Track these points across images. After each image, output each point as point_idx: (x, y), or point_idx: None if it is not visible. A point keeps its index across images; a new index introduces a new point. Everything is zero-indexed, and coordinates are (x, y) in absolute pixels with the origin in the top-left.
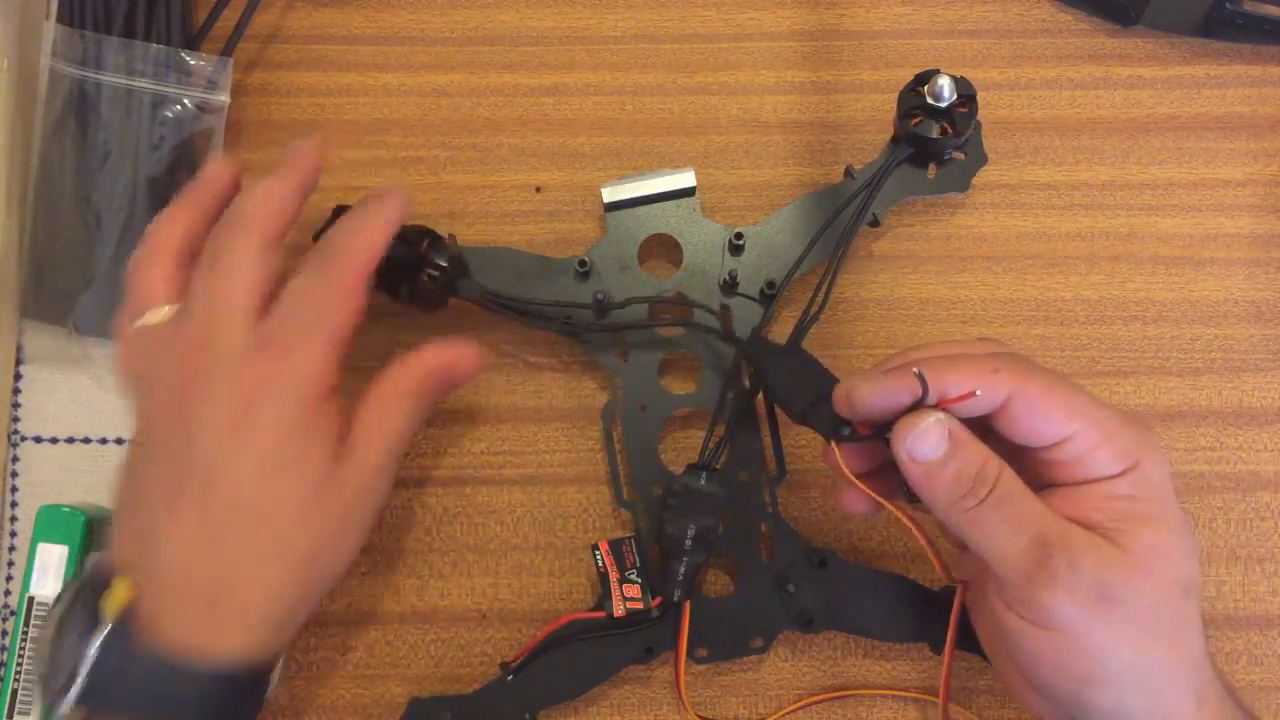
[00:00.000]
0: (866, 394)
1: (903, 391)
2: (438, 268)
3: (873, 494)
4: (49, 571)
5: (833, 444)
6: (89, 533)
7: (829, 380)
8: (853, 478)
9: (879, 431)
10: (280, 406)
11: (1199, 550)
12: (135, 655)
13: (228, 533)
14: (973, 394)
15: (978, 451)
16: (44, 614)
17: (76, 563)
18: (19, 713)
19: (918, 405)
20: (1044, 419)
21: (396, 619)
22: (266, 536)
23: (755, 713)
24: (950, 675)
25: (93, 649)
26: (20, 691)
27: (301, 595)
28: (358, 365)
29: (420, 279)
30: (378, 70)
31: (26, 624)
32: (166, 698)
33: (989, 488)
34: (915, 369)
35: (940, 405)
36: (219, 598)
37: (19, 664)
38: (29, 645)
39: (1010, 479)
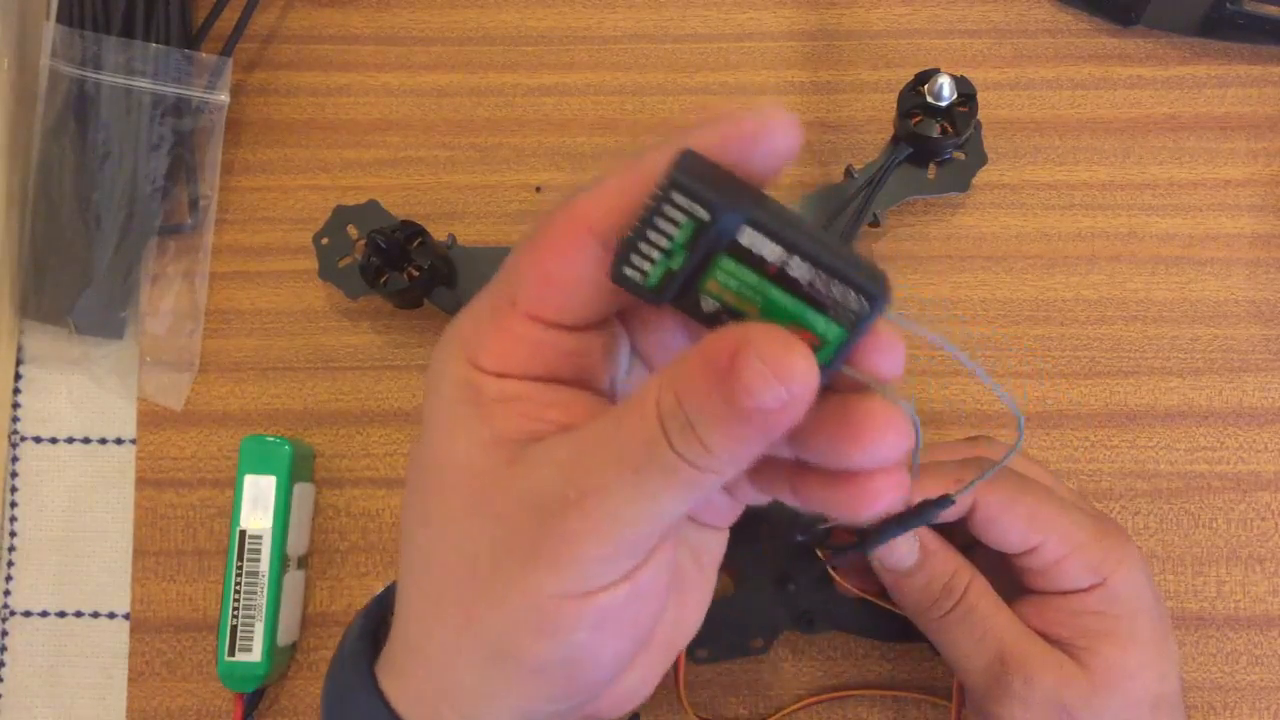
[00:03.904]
0: None
1: None
2: (419, 269)
3: (864, 594)
4: (257, 504)
5: (819, 550)
6: (294, 462)
7: None
8: (843, 583)
9: (861, 542)
10: None
11: (1177, 661)
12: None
13: None
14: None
15: (948, 562)
16: (256, 546)
17: (286, 493)
18: (240, 649)
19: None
20: (1007, 528)
21: None
22: None
23: (755, 713)
24: None
25: None
26: (240, 628)
27: None
28: (358, 366)
29: (399, 276)
30: (378, 70)
31: (240, 558)
32: None
33: (955, 599)
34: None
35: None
36: None
37: (236, 599)
38: (244, 580)
39: (979, 591)
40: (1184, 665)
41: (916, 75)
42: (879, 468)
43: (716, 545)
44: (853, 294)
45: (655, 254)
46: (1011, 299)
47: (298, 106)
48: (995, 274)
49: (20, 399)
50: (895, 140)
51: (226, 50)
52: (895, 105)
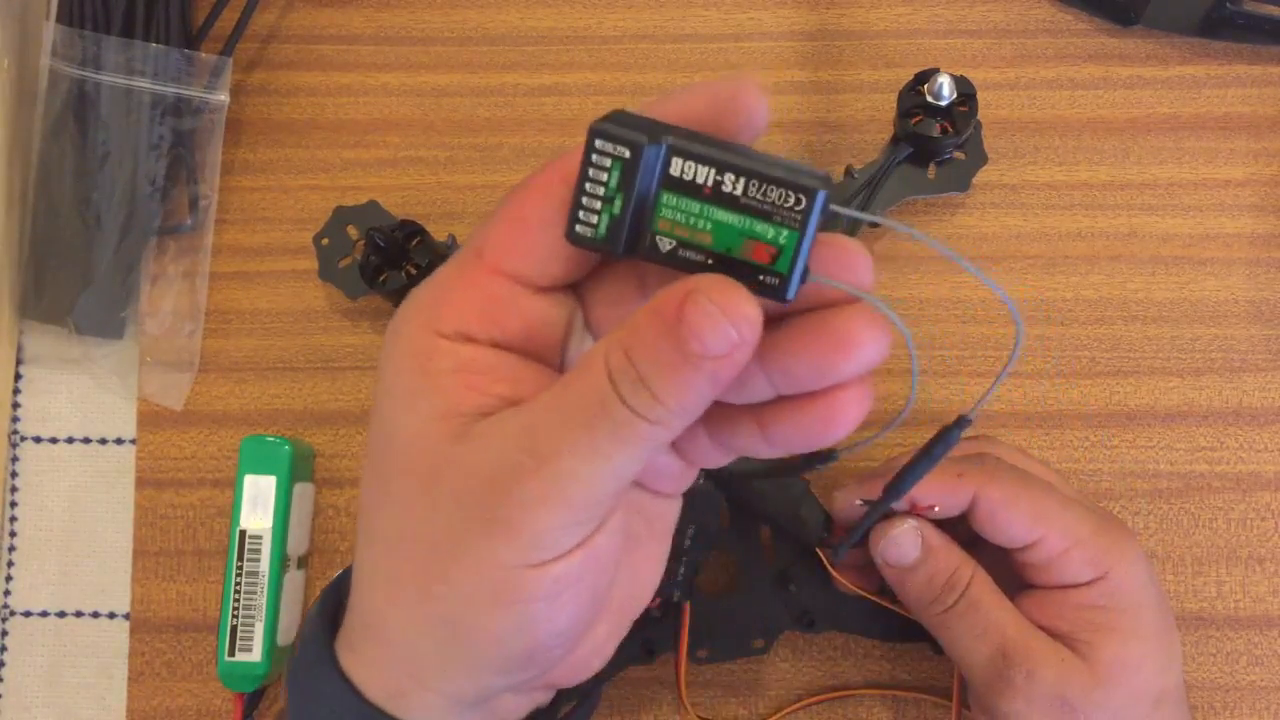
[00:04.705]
0: (842, 503)
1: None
2: (418, 267)
3: (863, 593)
4: (257, 504)
5: (820, 550)
6: (294, 462)
7: (799, 482)
8: (843, 579)
9: (862, 540)
10: None
11: (1179, 655)
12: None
13: None
14: (932, 507)
15: (950, 558)
16: (256, 546)
17: (286, 493)
18: (240, 649)
19: (892, 512)
20: (1008, 522)
21: None
22: None
23: (755, 713)
24: None
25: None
26: (240, 628)
27: None
28: (358, 366)
29: (399, 275)
30: (378, 70)
31: (240, 558)
32: None
33: (958, 594)
34: (858, 500)
35: (912, 512)
36: None
37: (236, 599)
38: (244, 580)
39: (980, 586)
40: (1184, 665)
41: (916, 75)
42: (850, 379)
43: (670, 511)
44: (791, 194)
45: (597, 204)
46: (1011, 299)
47: (298, 106)
48: (995, 274)
49: (20, 399)
50: (895, 140)
51: (226, 50)
52: (895, 105)
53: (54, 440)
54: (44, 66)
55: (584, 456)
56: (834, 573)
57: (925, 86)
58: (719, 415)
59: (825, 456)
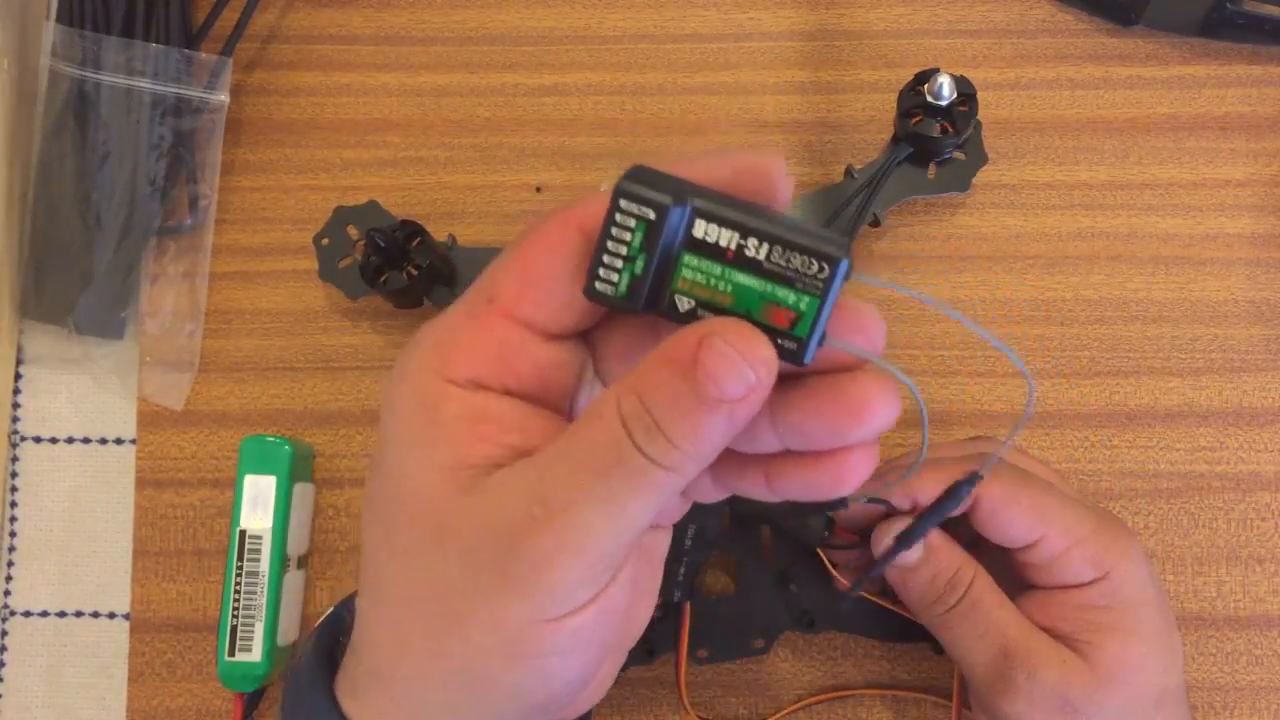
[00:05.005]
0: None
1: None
2: (418, 267)
3: (864, 594)
4: (257, 504)
5: (820, 550)
6: (294, 462)
7: None
8: (841, 579)
9: (864, 540)
10: None
11: (1180, 655)
12: None
13: None
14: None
15: (952, 557)
16: (256, 546)
17: (286, 493)
18: (240, 649)
19: (894, 513)
20: (1009, 521)
21: None
22: None
23: (755, 713)
24: None
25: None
26: (240, 628)
27: None
28: (358, 366)
29: (399, 275)
30: (378, 70)
31: (240, 558)
32: None
33: (959, 594)
34: (864, 497)
35: (914, 511)
36: None
37: (236, 599)
38: (244, 580)
39: (982, 586)
40: (1184, 665)
41: (916, 75)
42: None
43: (663, 541)
44: (814, 261)
45: (618, 263)
46: (1011, 299)
47: (298, 106)
48: (995, 274)
49: (20, 399)
50: (895, 140)
51: (226, 50)
52: (895, 105)
53: (54, 440)
54: (44, 66)
55: (598, 508)
56: (835, 575)
57: (925, 86)
58: (725, 460)
59: (837, 503)
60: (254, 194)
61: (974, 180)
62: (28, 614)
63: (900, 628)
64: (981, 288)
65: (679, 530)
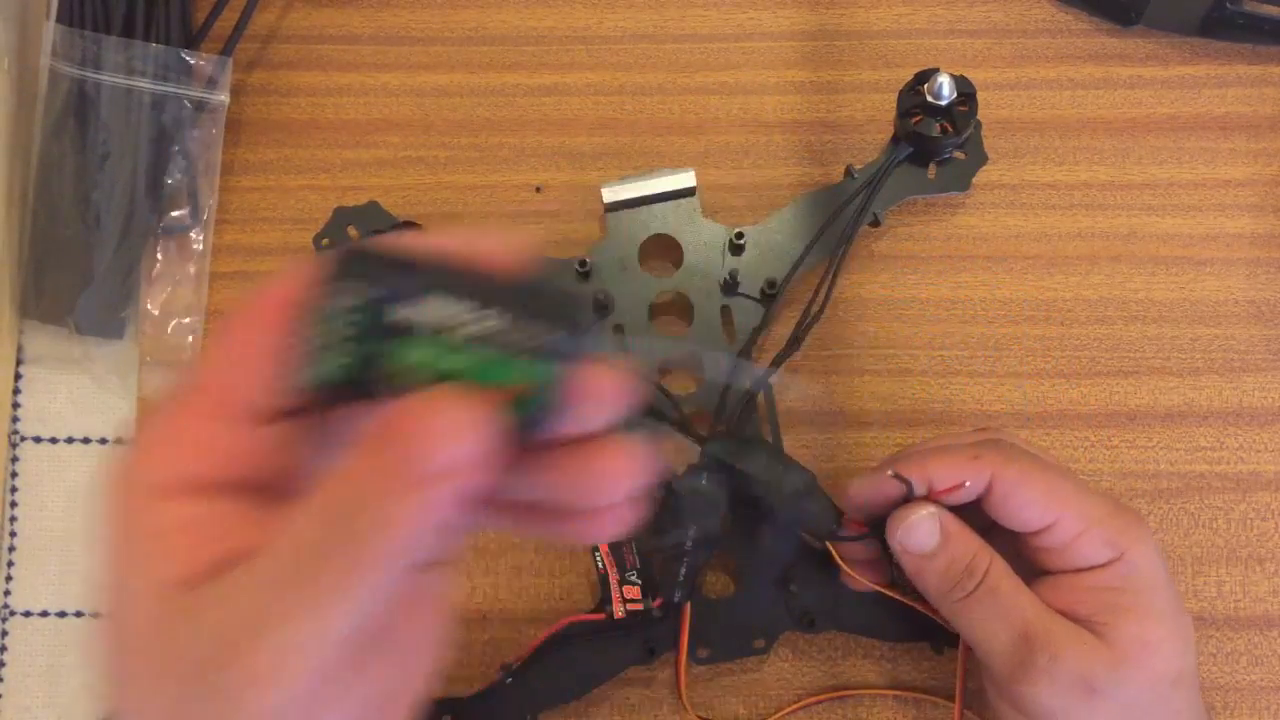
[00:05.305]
0: (858, 491)
1: (893, 487)
2: None
3: (873, 585)
4: None
5: (830, 543)
6: None
7: (799, 471)
8: (853, 574)
9: (874, 531)
10: None
11: (1192, 637)
12: None
13: None
14: (961, 485)
15: (969, 544)
16: None
17: None
18: None
19: (909, 499)
20: (1024, 504)
21: None
22: None
23: (755, 713)
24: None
25: None
26: None
27: None
28: None
29: None
30: (378, 70)
31: None
32: None
33: (977, 580)
34: (890, 471)
35: (930, 497)
36: None
37: None
38: None
39: (999, 572)
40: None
41: (916, 75)
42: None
43: (439, 580)
44: (545, 331)
45: (331, 347)
46: (1011, 299)
47: (298, 106)
48: (995, 274)
49: (20, 399)
50: (895, 140)
51: (226, 50)
52: (895, 105)
53: (54, 440)
54: (44, 66)
55: (309, 615)
56: (845, 568)
57: (925, 86)
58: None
59: (828, 534)
60: (254, 194)
61: (974, 180)
62: (28, 614)
63: (901, 628)
64: (981, 288)
65: (679, 530)
